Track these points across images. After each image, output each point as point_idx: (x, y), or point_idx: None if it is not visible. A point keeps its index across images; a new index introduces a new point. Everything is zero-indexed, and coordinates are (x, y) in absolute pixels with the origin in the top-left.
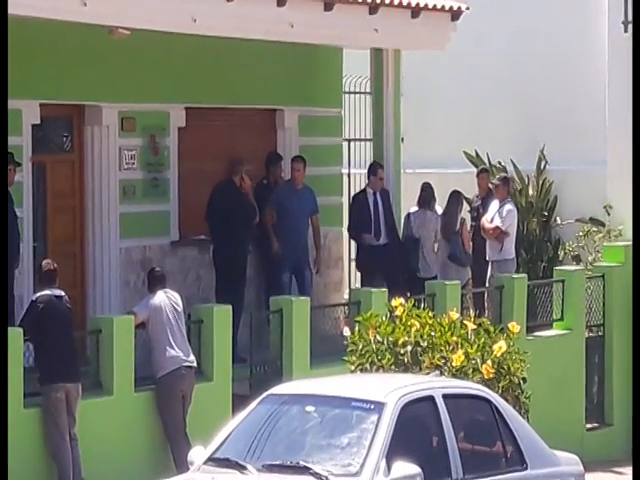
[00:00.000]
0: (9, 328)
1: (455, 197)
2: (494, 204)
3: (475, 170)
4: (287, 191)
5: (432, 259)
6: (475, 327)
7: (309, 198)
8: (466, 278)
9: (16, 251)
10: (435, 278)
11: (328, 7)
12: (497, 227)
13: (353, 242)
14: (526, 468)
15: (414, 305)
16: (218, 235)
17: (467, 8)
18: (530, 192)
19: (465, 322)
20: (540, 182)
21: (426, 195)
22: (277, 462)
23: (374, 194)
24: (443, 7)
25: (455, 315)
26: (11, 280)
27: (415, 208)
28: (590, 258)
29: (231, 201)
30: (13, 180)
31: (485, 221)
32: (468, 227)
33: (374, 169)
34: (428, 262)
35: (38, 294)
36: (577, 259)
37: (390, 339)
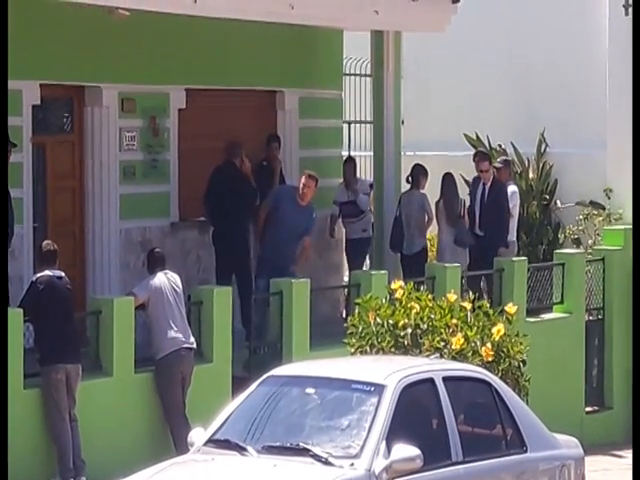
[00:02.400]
0: (9, 308)
1: (448, 180)
2: None
3: None
4: (290, 201)
5: (416, 237)
6: (473, 309)
7: (306, 217)
8: (465, 261)
9: (10, 231)
10: (417, 255)
11: None
12: None
13: None
14: (526, 451)
15: (414, 288)
16: (218, 217)
17: None
18: (530, 175)
19: (463, 304)
20: (540, 165)
21: (414, 174)
22: (277, 444)
23: (483, 185)
24: None
25: (453, 297)
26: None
27: (407, 188)
28: (590, 241)
29: (232, 183)
30: (9, 160)
31: None
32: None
33: (476, 161)
34: (411, 239)
35: (38, 275)
36: (577, 242)
37: (390, 322)
